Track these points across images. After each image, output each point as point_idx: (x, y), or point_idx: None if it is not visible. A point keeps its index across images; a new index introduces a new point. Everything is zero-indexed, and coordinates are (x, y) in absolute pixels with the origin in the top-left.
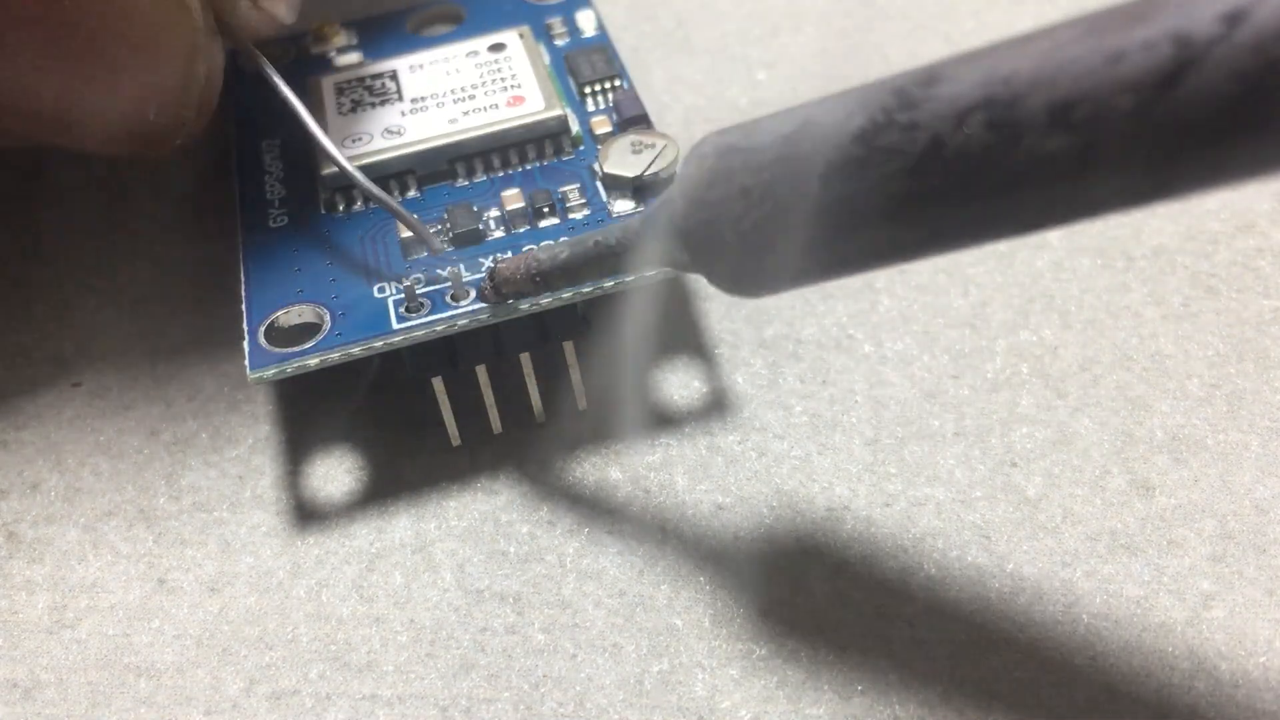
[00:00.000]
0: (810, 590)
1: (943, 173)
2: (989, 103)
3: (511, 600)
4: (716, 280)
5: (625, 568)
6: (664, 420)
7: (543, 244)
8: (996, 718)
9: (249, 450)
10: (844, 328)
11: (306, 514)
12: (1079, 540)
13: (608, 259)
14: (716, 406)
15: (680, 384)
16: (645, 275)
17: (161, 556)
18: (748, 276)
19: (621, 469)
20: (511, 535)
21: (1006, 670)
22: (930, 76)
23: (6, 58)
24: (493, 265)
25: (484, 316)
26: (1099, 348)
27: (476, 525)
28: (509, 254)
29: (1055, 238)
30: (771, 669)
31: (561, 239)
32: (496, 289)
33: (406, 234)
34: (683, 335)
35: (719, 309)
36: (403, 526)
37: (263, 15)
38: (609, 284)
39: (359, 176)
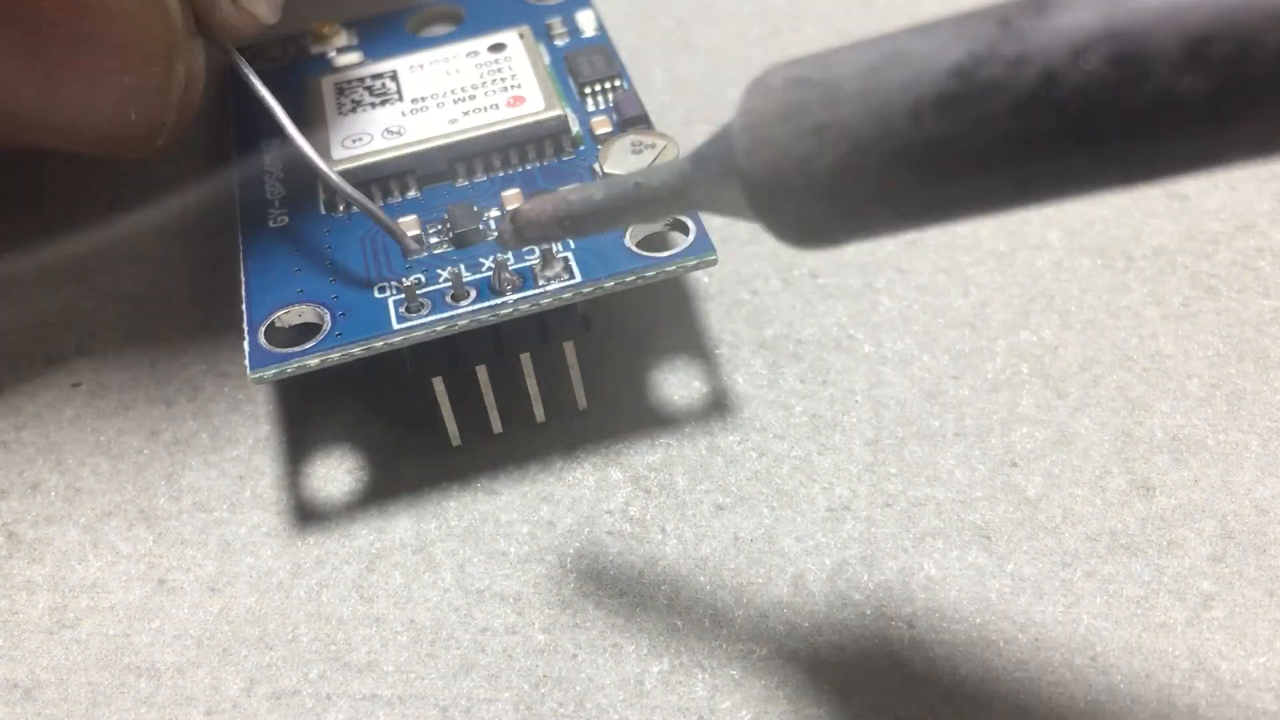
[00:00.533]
0: (810, 590)
1: (1054, 113)
2: (1112, 35)
3: (512, 600)
4: (777, 229)
5: (625, 568)
6: (664, 420)
7: (572, 185)
8: (997, 718)
9: (249, 450)
10: (844, 328)
11: (307, 514)
12: (1079, 540)
13: (649, 203)
14: (717, 407)
15: (680, 384)
16: (646, 274)
17: (162, 556)
18: (815, 225)
19: (621, 469)
20: (511, 535)
21: (1007, 670)
22: (1040, 5)
23: None
24: (516, 208)
25: (484, 317)
26: (1099, 348)
27: (477, 525)
28: (509, 254)
29: (1055, 238)
30: (772, 669)
31: (598, 180)
32: (518, 231)
33: (408, 233)
34: (683, 335)
35: (719, 309)
36: (403, 527)
37: (244, 15)
38: (609, 284)
39: (335, 178)
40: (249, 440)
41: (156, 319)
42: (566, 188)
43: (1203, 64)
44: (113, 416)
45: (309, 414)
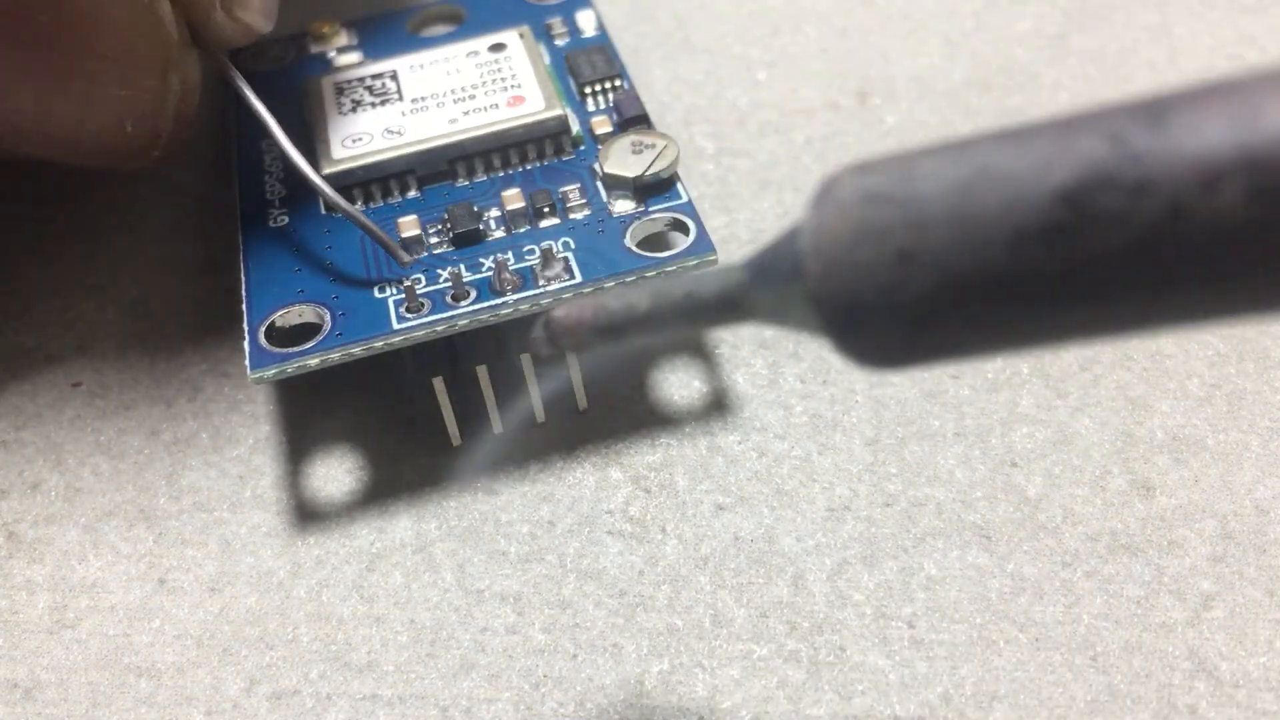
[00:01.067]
0: (810, 591)
1: (1181, 250)
2: (1252, 164)
3: (512, 600)
4: (852, 353)
5: (625, 568)
6: (664, 420)
7: (612, 290)
8: (997, 718)
9: (249, 450)
10: None
11: (307, 514)
12: (1079, 540)
13: (700, 315)
14: (717, 406)
15: (680, 384)
16: (646, 275)
17: (162, 556)
18: (898, 352)
19: (622, 469)
20: (512, 535)
21: (1007, 671)
22: (1156, 115)
23: None
24: (548, 314)
25: (485, 317)
26: (1099, 347)
27: (477, 525)
28: (509, 254)
29: None
30: (772, 669)
31: (636, 286)
32: (552, 340)
33: (407, 235)
34: (683, 335)
35: None
36: (403, 527)
37: (238, 25)
38: (609, 284)
39: (324, 187)
40: (249, 440)
41: (157, 319)
42: (607, 294)
43: None
44: (113, 416)
45: (309, 414)
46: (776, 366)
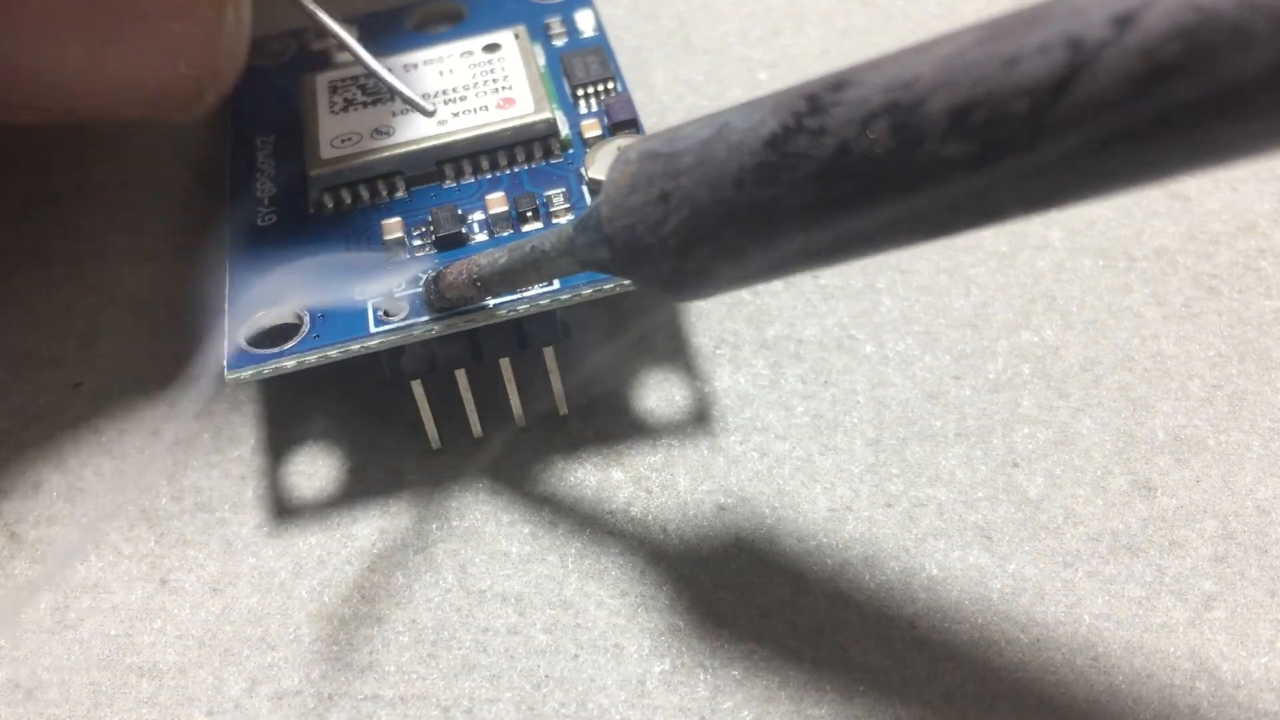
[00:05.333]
0: (812, 591)
1: (849, 178)
2: (893, 107)
3: (513, 600)
4: (644, 284)
5: (627, 568)
6: (666, 420)
7: (485, 250)
8: (999, 718)
9: (251, 450)
10: (846, 328)
11: (309, 514)
12: (1081, 541)
13: (544, 264)
14: (718, 407)
15: (682, 384)
16: (624, 283)
17: (163, 557)
18: (673, 280)
19: (623, 469)
20: (513, 535)
21: (1009, 671)
22: (840, 81)
23: (32, 27)
24: (435, 272)
25: (462, 322)
26: (1101, 348)
27: (478, 525)
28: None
29: (1057, 238)
30: (774, 669)
31: (504, 245)
32: (440, 294)
33: (390, 237)
34: (684, 335)
35: (720, 309)
36: (405, 527)
37: None
38: (587, 291)
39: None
40: (251, 440)
41: (157, 319)
42: (480, 254)
43: (965, 130)
44: (114, 417)
45: (311, 414)
46: (778, 367)
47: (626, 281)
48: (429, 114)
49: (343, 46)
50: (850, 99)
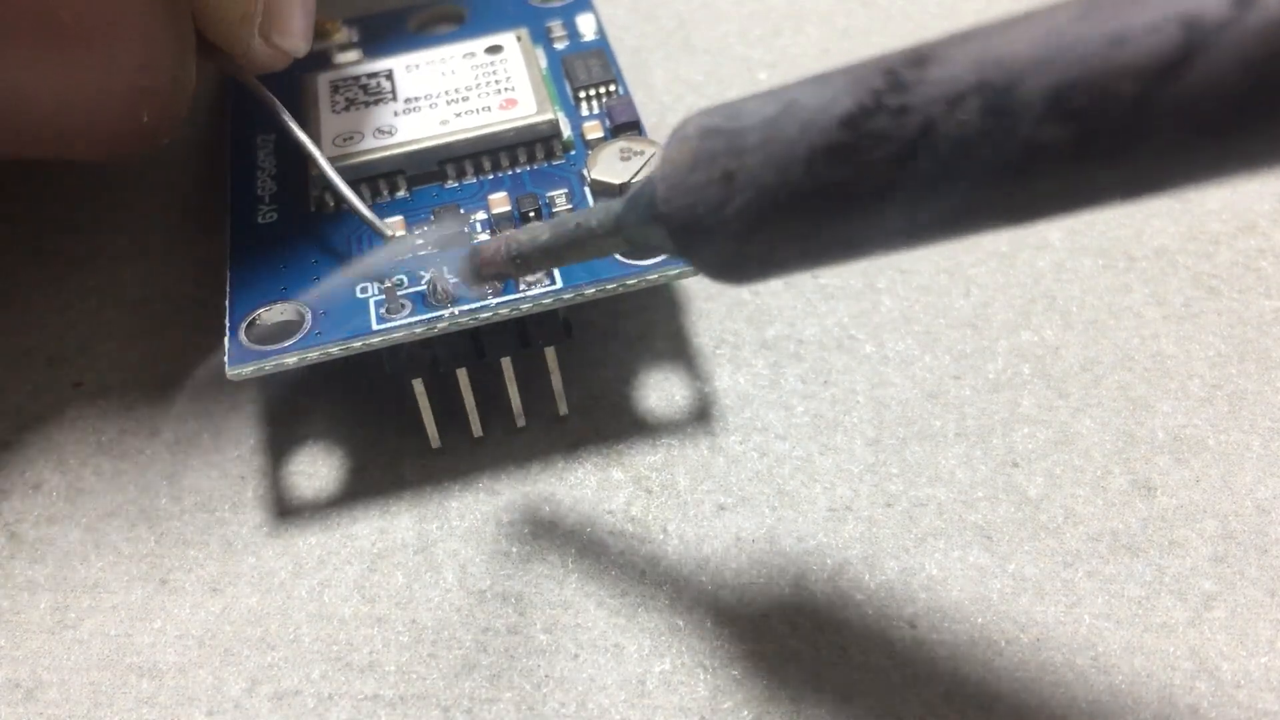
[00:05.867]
0: (812, 590)
1: (934, 160)
2: (983, 86)
3: (514, 600)
4: (701, 266)
5: (627, 568)
6: (666, 420)
7: (525, 225)
8: (999, 718)
9: (251, 450)
10: (846, 328)
11: (309, 514)
12: (1081, 540)
13: (589, 241)
14: (718, 407)
15: (682, 384)
16: (628, 282)
17: (163, 556)
18: (733, 264)
19: (623, 469)
20: (514, 535)
21: (1008, 670)
22: (921, 57)
23: (10, 70)
24: (475, 245)
25: (464, 320)
26: (1101, 348)
27: (479, 525)
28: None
29: (1057, 238)
30: (773, 669)
31: (544, 220)
32: (476, 271)
33: (394, 235)
34: (684, 335)
35: (720, 309)
36: (405, 527)
37: (276, 51)
38: (590, 290)
39: (336, 179)
40: (251, 440)
41: (157, 319)
42: (519, 229)
43: (1065, 113)
44: (114, 417)
45: (311, 414)
46: (778, 367)
47: (649, 276)
48: (387, 239)
49: (301, 147)
50: (936, 77)
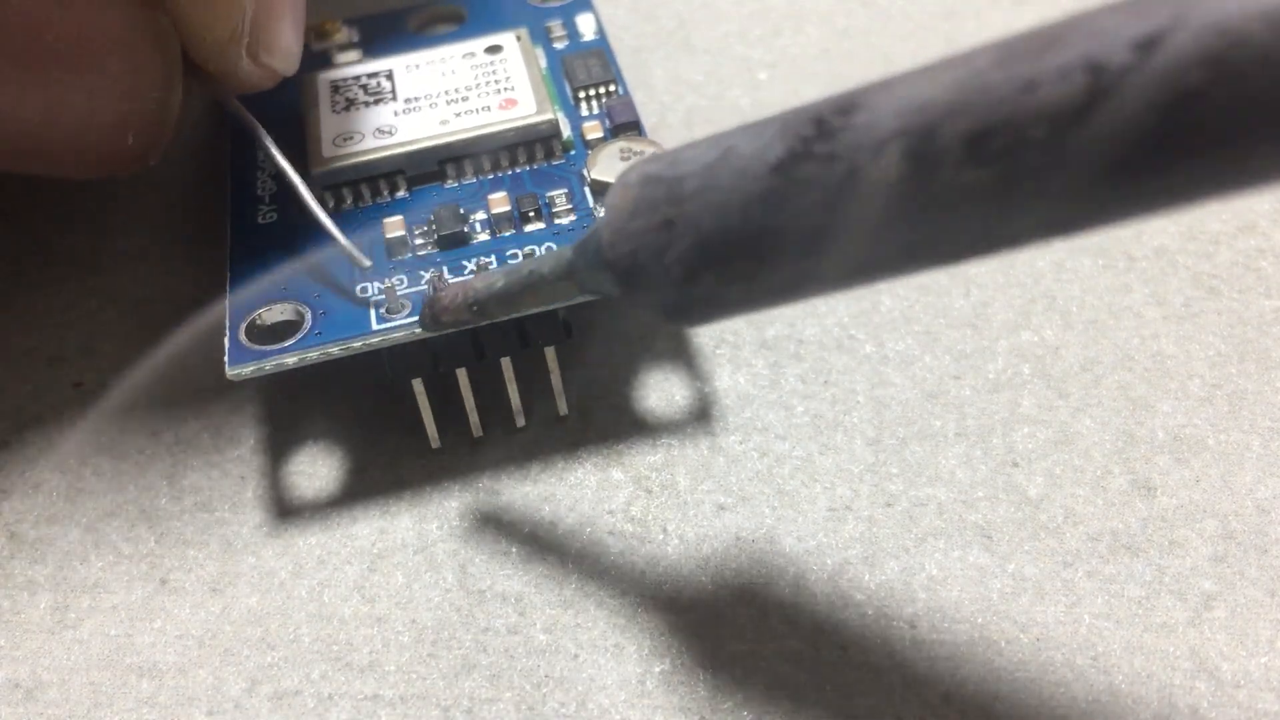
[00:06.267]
0: (812, 591)
1: (862, 205)
2: (905, 132)
3: (514, 600)
4: (648, 311)
5: (627, 568)
6: (666, 420)
7: (481, 272)
8: (999, 718)
9: (251, 450)
10: (845, 328)
11: (309, 514)
12: (1081, 540)
13: (542, 288)
14: (718, 407)
15: (682, 384)
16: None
17: (163, 556)
18: (678, 307)
19: (623, 469)
20: (514, 535)
21: (1008, 670)
22: (849, 104)
23: None
24: (432, 291)
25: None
26: (1100, 348)
27: (479, 525)
28: (493, 260)
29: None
30: (773, 669)
31: (499, 267)
32: (435, 317)
33: (391, 235)
34: (684, 335)
35: None
36: (405, 527)
37: (264, 70)
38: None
39: (314, 206)
40: (250, 440)
41: (157, 319)
42: (476, 276)
43: (982, 157)
44: (114, 416)
45: (311, 414)
46: (778, 367)
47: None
48: (365, 267)
49: (282, 176)
50: (860, 123)
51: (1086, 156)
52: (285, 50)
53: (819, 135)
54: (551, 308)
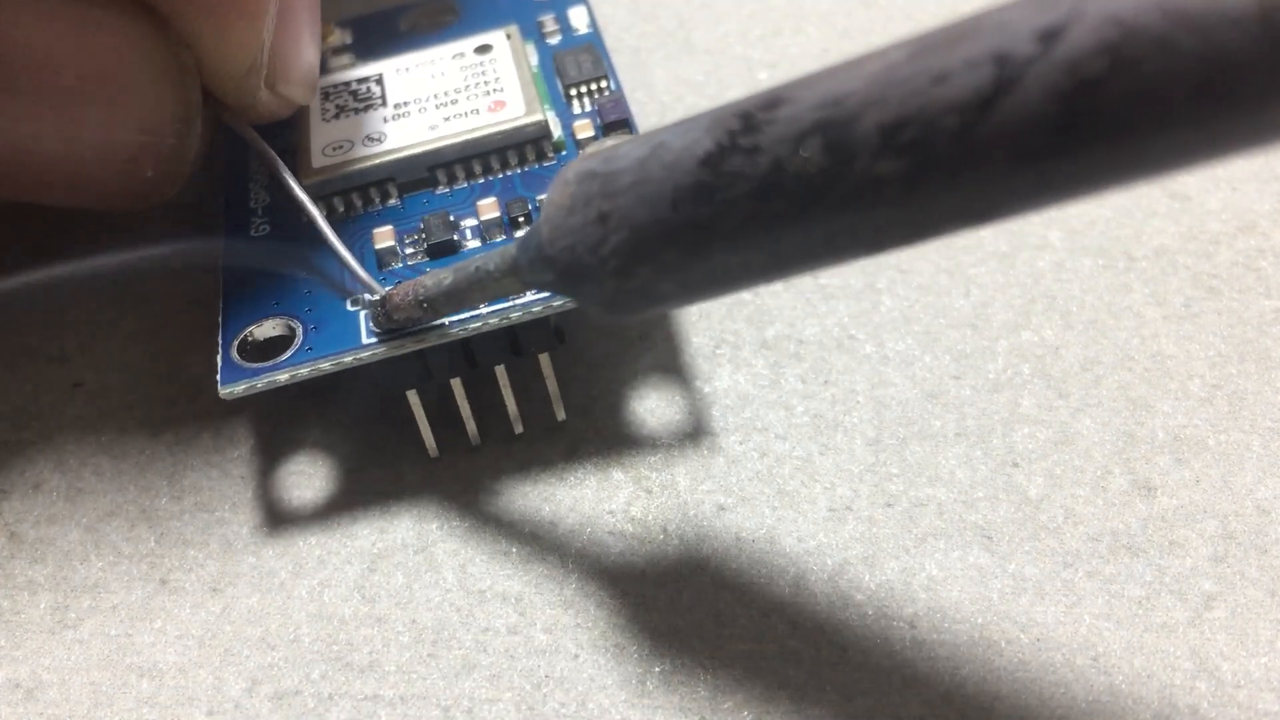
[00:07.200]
0: (812, 591)
1: (783, 197)
2: (824, 125)
3: (514, 600)
4: (588, 305)
5: (627, 568)
6: (666, 420)
7: (431, 270)
8: (999, 718)
9: (251, 451)
10: (846, 328)
11: (309, 514)
12: (1081, 540)
13: (489, 284)
14: (718, 407)
15: (682, 384)
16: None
17: (163, 556)
18: (615, 300)
19: (623, 469)
20: (514, 535)
21: (1008, 670)
22: (773, 99)
23: (14, 122)
24: (386, 291)
25: (454, 331)
26: (1101, 348)
27: (479, 525)
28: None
29: (1057, 238)
30: (774, 669)
31: (450, 265)
32: (388, 315)
33: (381, 246)
34: (684, 335)
35: (720, 309)
36: (405, 527)
37: (280, 100)
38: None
39: (326, 229)
40: (250, 440)
41: (157, 319)
42: (425, 274)
43: (896, 147)
44: (114, 416)
45: (311, 414)
46: (778, 367)
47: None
48: (376, 295)
49: (301, 207)
50: (783, 117)
51: (996, 144)
52: (302, 80)
53: (745, 129)
54: (499, 305)
